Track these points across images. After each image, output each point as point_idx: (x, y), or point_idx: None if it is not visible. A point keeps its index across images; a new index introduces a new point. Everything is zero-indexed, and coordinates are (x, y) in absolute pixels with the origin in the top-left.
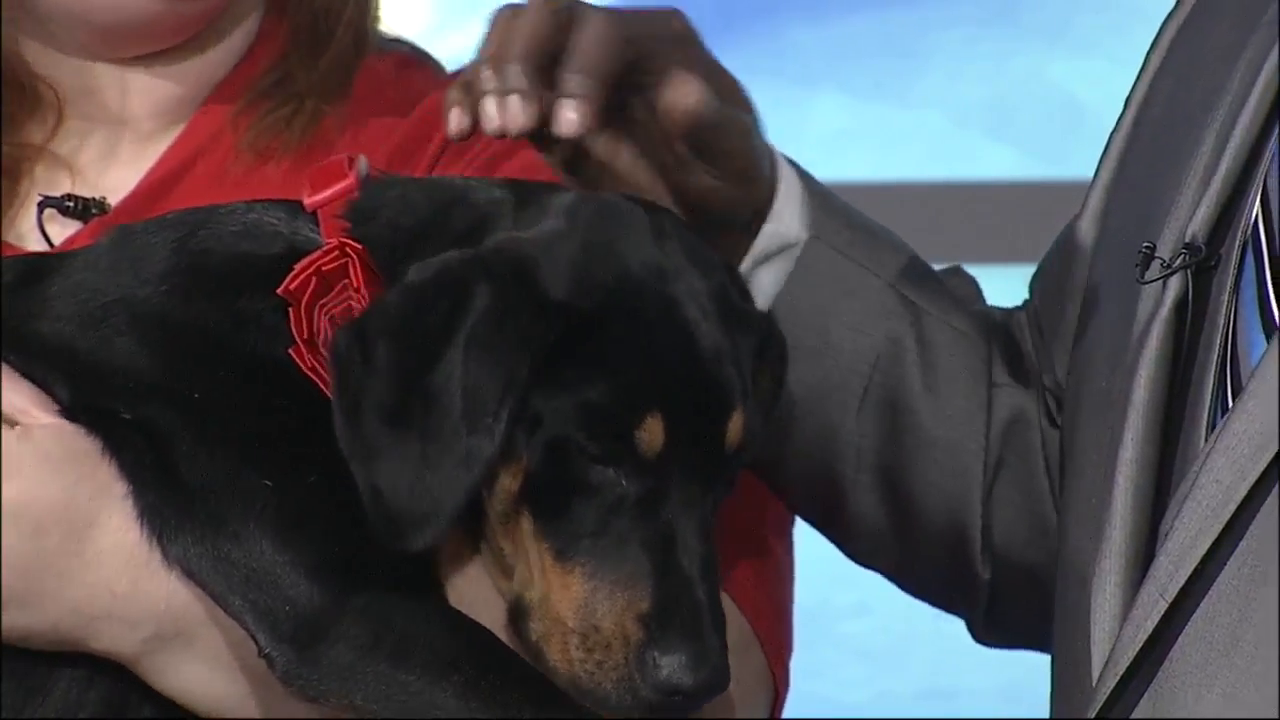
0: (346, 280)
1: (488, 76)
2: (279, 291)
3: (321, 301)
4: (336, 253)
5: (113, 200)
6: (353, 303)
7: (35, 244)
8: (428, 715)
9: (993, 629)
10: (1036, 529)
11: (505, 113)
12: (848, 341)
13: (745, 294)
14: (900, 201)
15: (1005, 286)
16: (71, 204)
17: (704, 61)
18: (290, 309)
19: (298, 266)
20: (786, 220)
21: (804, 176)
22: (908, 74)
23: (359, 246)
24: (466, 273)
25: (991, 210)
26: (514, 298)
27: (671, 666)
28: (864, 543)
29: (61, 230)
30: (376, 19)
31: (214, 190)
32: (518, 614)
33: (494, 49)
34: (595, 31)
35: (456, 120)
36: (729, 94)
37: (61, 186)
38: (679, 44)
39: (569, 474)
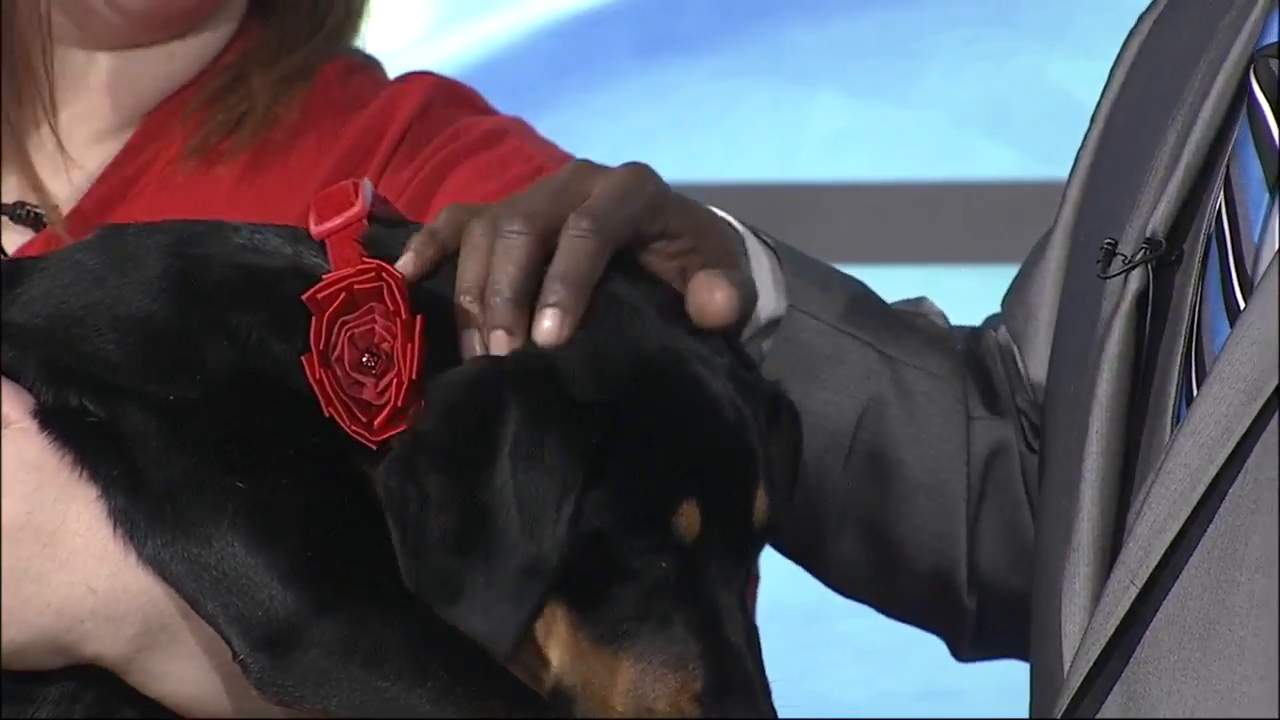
0: (376, 304)
1: (473, 309)
2: (304, 297)
3: (345, 318)
4: (372, 275)
5: (63, 207)
6: (378, 326)
7: None
8: None
9: (975, 648)
10: (1020, 554)
11: (491, 345)
12: (832, 406)
13: (749, 363)
14: (900, 201)
15: (1005, 287)
16: (23, 212)
17: (690, 217)
18: (312, 318)
19: (327, 278)
20: (765, 298)
21: (770, 244)
22: (908, 74)
23: (399, 274)
24: (493, 386)
25: (991, 210)
26: (545, 403)
27: None
28: (845, 581)
29: (11, 239)
30: (359, 27)
31: (164, 194)
32: (559, 699)
33: (475, 276)
34: (581, 250)
35: (412, 264)
36: (711, 241)
37: (7, 190)
38: (663, 212)
39: (606, 564)
